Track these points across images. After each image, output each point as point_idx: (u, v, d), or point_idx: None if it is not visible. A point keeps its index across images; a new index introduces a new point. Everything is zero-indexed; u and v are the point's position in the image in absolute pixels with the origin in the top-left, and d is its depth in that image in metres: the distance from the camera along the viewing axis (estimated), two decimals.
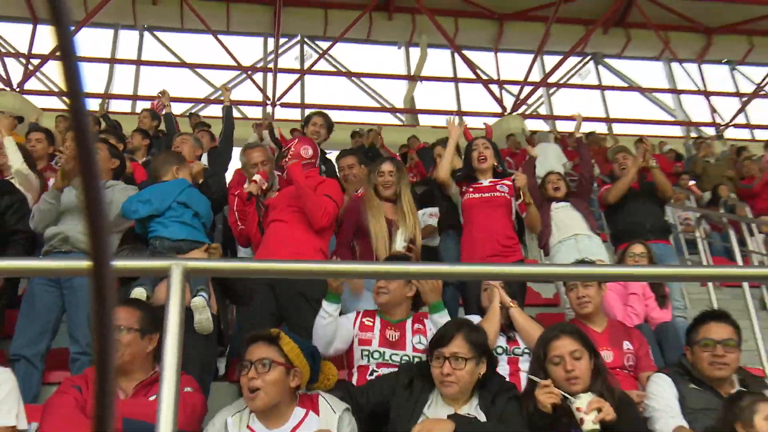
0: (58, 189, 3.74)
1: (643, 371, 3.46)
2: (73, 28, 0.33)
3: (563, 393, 2.36)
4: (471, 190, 4.48)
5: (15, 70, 11.79)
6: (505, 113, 13.01)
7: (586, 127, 11.91)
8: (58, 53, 0.31)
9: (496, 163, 4.63)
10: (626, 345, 3.48)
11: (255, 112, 12.72)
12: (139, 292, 3.26)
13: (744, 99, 14.49)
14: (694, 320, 3.00)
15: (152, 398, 2.44)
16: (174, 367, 1.30)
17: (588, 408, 2.28)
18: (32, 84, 12.14)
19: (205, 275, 3.05)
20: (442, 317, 3.12)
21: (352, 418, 2.42)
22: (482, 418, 2.49)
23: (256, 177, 4.27)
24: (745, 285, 4.74)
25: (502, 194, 4.40)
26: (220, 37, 13.12)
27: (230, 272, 2.40)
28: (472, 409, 2.55)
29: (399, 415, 2.56)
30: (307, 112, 12.34)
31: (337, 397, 2.49)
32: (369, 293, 3.75)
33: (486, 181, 4.52)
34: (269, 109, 12.36)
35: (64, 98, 0.76)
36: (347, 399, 2.56)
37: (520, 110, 13.32)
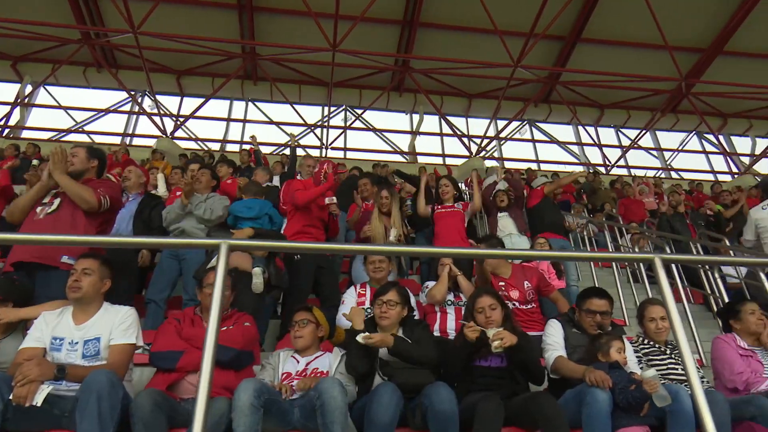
0: (184, 204, 4.28)
1: (548, 293, 4.05)
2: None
3: (482, 329, 2.76)
4: (439, 207, 5.20)
5: (168, 124, 13.85)
6: (471, 156, 14.59)
7: (525, 166, 13.73)
8: None
9: (456, 192, 5.29)
10: (526, 284, 3.93)
11: (315, 152, 14.30)
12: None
13: (623, 149, 16.06)
14: (583, 291, 3.27)
15: (224, 328, 2.85)
16: (218, 306, 1.66)
17: (494, 336, 2.68)
18: (178, 133, 14.03)
19: (243, 249, 3.49)
20: None
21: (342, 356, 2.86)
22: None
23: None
24: (614, 264, 6.01)
25: (458, 209, 5.11)
26: (295, 105, 15.25)
27: (255, 247, 3.34)
28: (399, 335, 2.92)
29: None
30: (349, 154, 15.47)
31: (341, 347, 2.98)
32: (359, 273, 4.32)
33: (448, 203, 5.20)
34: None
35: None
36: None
37: (481, 154, 14.82)
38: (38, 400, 2.20)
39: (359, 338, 2.65)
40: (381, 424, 2.36)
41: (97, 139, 14.13)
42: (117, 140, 13.98)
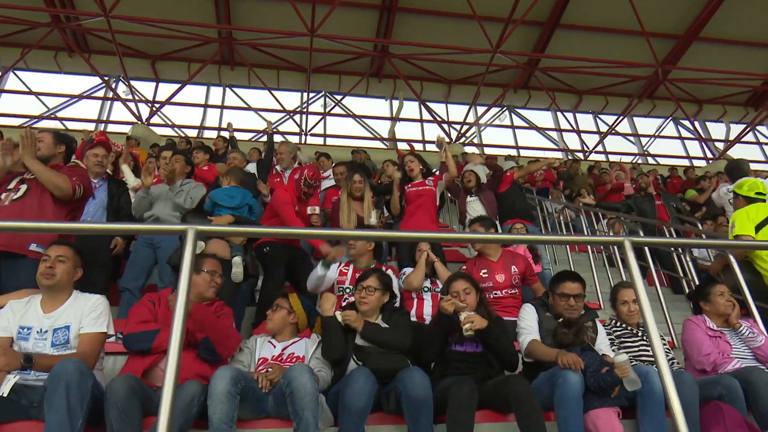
0: (147, 186, 4.31)
1: (530, 284, 4.08)
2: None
3: (456, 303, 2.79)
4: (408, 186, 5.16)
5: (143, 110, 13.67)
6: (451, 142, 14.10)
7: (505, 152, 13.88)
8: None
9: (423, 168, 5.25)
10: (513, 269, 3.94)
11: (293, 139, 14.26)
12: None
13: (601, 135, 16.22)
14: (556, 275, 3.23)
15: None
16: (185, 291, 1.57)
17: (465, 320, 2.70)
18: (154, 119, 13.88)
19: (211, 234, 3.33)
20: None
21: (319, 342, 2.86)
22: (384, 326, 2.93)
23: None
24: (590, 248, 6.10)
25: (428, 187, 5.08)
26: (273, 91, 14.97)
27: (223, 233, 3.23)
28: (378, 321, 2.98)
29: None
30: (328, 140, 15.20)
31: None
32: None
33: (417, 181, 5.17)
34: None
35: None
36: None
37: (461, 140, 14.85)
38: (4, 390, 2.16)
39: (337, 315, 2.69)
40: (355, 410, 2.35)
41: (71, 125, 13.74)
42: (91, 127, 13.69)
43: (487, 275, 3.90)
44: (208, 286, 2.89)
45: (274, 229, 3.02)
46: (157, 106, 14.27)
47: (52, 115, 14.28)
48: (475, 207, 5.74)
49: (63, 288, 2.63)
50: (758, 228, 3.84)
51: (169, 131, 14.24)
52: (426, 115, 15.90)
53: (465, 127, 15.23)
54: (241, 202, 4.22)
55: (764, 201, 4.14)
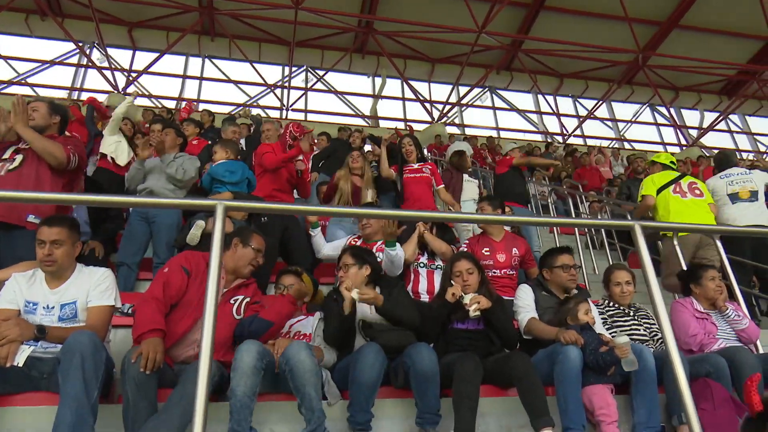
0: (142, 159, 4.21)
1: (528, 268, 4.19)
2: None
3: (461, 293, 2.83)
4: (406, 171, 5.21)
5: (120, 79, 13.31)
6: (433, 122, 14.45)
7: (486, 134, 14.48)
8: None
9: (419, 153, 5.35)
10: (514, 251, 4.05)
11: (275, 114, 14.26)
12: (199, 224, 3.61)
13: (580, 119, 16.52)
14: (548, 251, 3.35)
15: (240, 296, 2.76)
16: (216, 269, 1.59)
17: (471, 301, 2.76)
18: (131, 89, 12.77)
19: (240, 211, 3.52)
20: (393, 251, 3.55)
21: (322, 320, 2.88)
22: None
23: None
24: (576, 231, 6.16)
25: (426, 175, 5.19)
26: (255, 64, 14.61)
27: (251, 209, 3.31)
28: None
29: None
30: (309, 116, 15.47)
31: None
32: (344, 227, 4.46)
33: (415, 165, 5.24)
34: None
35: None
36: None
37: (443, 120, 14.72)
38: (20, 360, 2.15)
39: (354, 294, 2.65)
40: (365, 384, 2.41)
41: (42, 92, 13.29)
42: (64, 94, 13.14)
43: (489, 254, 3.98)
44: (248, 262, 2.79)
45: (296, 207, 3.04)
46: (134, 75, 13.85)
47: (23, 81, 13.77)
48: (471, 187, 5.81)
49: (66, 267, 2.58)
50: (659, 191, 4.67)
51: (146, 102, 13.87)
52: (408, 94, 15.78)
53: (447, 107, 15.20)
54: (242, 177, 4.21)
55: (674, 170, 4.94)
